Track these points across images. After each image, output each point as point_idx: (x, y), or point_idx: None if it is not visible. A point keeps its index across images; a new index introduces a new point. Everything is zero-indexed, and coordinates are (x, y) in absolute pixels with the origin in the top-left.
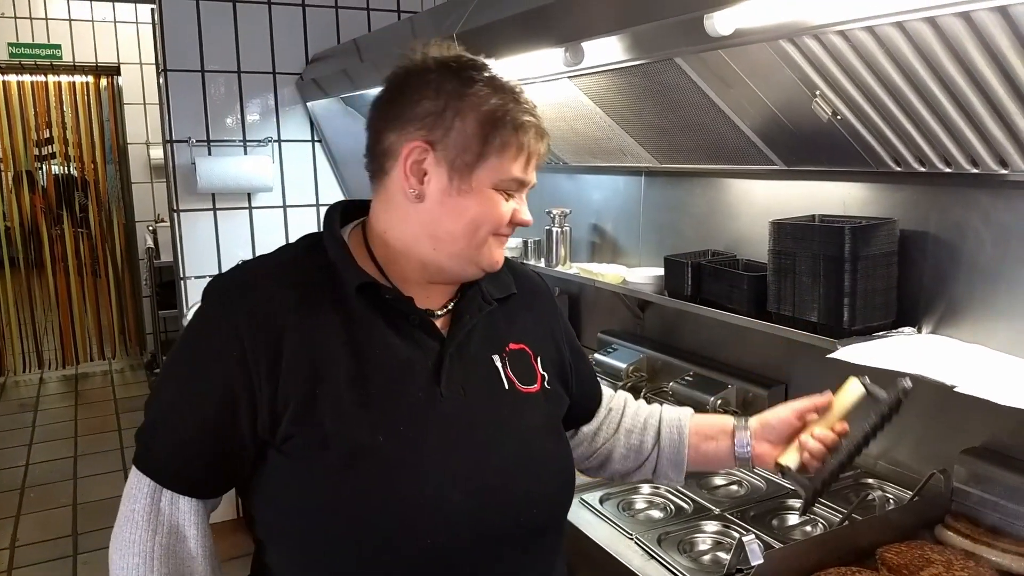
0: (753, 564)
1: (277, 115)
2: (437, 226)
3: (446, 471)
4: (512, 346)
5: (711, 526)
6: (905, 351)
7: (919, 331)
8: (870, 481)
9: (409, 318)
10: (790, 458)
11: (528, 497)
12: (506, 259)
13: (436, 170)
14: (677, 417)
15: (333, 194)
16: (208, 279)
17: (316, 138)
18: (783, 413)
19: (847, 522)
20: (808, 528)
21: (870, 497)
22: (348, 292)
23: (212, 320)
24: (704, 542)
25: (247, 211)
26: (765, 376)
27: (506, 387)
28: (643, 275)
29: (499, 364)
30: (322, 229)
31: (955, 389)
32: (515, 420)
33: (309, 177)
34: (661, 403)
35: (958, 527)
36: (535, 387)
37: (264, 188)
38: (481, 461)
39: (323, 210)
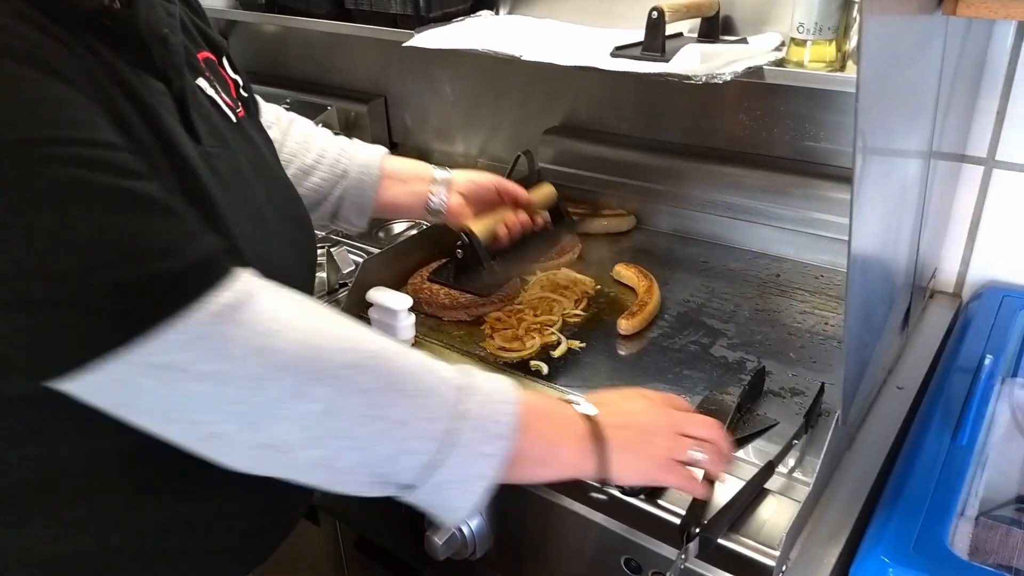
0: (344, 272)
1: None
2: None
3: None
4: (201, 56)
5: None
6: (479, 31)
7: (496, 13)
8: None
9: None
10: (480, 225)
11: (311, 245)
12: None
13: None
14: (369, 156)
15: None
16: None
17: None
18: (484, 178)
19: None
20: (413, 232)
21: None
22: None
23: None
24: None
25: None
26: (365, 91)
27: (233, 120)
28: None
29: (208, 88)
30: None
31: (521, 58)
32: (258, 159)
33: None
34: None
35: None
36: (241, 109)
37: None
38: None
39: None
